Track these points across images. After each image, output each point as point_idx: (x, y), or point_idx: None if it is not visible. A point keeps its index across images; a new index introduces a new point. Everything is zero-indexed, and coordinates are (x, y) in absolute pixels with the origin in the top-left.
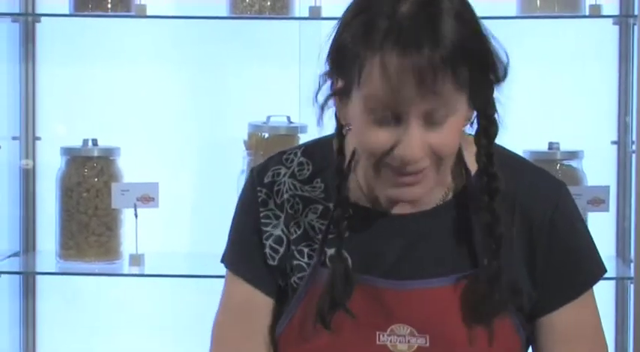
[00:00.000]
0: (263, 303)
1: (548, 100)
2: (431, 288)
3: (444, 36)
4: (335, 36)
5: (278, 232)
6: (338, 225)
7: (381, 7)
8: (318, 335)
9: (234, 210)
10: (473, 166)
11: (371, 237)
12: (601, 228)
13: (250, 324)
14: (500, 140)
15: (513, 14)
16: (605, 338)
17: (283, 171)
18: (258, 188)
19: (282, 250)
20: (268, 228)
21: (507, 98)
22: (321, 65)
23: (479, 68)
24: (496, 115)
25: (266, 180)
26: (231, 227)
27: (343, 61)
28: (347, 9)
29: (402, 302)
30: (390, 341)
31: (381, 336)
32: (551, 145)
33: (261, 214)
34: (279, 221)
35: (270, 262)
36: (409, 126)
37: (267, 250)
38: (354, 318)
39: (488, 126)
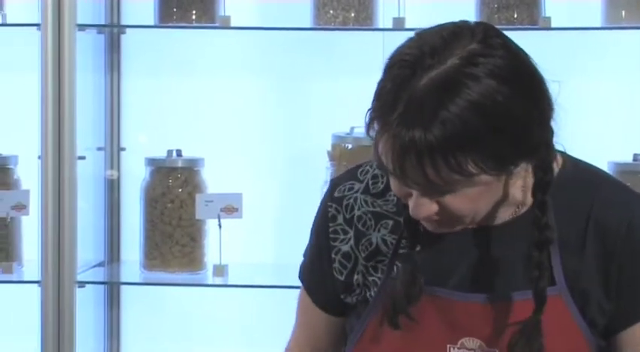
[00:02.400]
0: (324, 318)
1: (633, 111)
2: (501, 302)
3: (441, 127)
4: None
5: (347, 248)
6: (409, 237)
7: (409, 74)
8: (389, 344)
9: (312, 223)
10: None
11: (442, 250)
12: None
13: (314, 331)
14: (583, 151)
15: (598, 25)
16: None
17: (357, 186)
18: (329, 203)
19: (350, 266)
20: (336, 243)
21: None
22: None
23: (495, 150)
24: (550, 161)
25: (337, 195)
26: (309, 241)
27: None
28: (393, 53)
29: (472, 316)
30: None
31: (451, 349)
32: (636, 157)
33: (330, 229)
34: (348, 236)
35: (338, 276)
36: (413, 190)
37: (336, 265)
38: (414, 322)
39: (542, 175)
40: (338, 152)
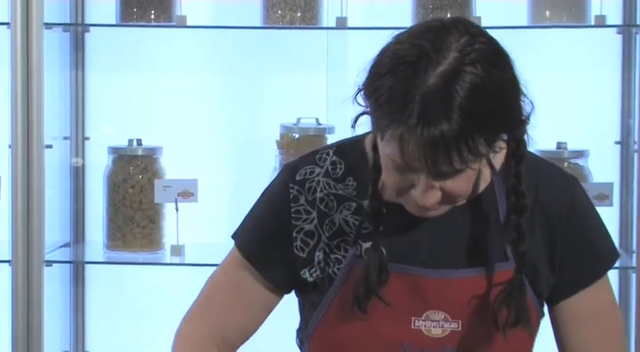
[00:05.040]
0: (261, 287)
1: (557, 104)
2: (464, 278)
3: (460, 113)
4: (366, 82)
5: (310, 227)
6: (373, 217)
7: (412, 74)
8: (355, 320)
9: (259, 200)
10: (498, 161)
11: (406, 229)
12: (605, 221)
13: (242, 298)
14: None
15: (525, 24)
16: (622, 317)
17: (317, 170)
18: (291, 185)
19: (312, 243)
20: (299, 222)
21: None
22: (349, 74)
23: (497, 126)
24: (525, 136)
25: (298, 178)
26: (254, 211)
27: (371, 109)
28: (384, 53)
29: (437, 290)
30: (425, 326)
31: (416, 321)
32: (559, 145)
33: (292, 209)
34: (311, 216)
35: (299, 253)
36: (421, 180)
37: (298, 243)
38: (389, 306)
39: (517, 147)
40: (286, 141)
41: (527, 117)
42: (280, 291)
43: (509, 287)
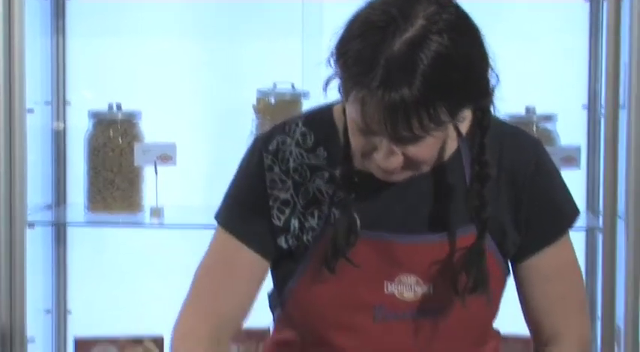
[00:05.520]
0: (250, 259)
1: (526, 69)
2: (434, 243)
3: (422, 80)
4: (337, 45)
5: (286, 196)
6: (344, 183)
7: (379, 39)
8: (328, 284)
9: (235, 174)
10: (465, 128)
11: (376, 196)
12: (572, 183)
13: (233, 275)
14: None
15: None
16: (582, 275)
17: (288, 140)
18: (265, 154)
19: (288, 211)
20: (274, 192)
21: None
22: (324, 39)
23: (462, 97)
24: (491, 107)
25: (271, 148)
26: (231, 189)
27: (339, 72)
28: (355, 18)
29: (408, 254)
30: (398, 290)
31: (389, 286)
32: (528, 109)
33: (267, 178)
34: (286, 185)
35: (276, 222)
36: (383, 144)
37: (274, 211)
38: (357, 267)
39: (482, 117)
40: (262, 106)
41: (493, 90)
42: (267, 261)
43: (469, 253)
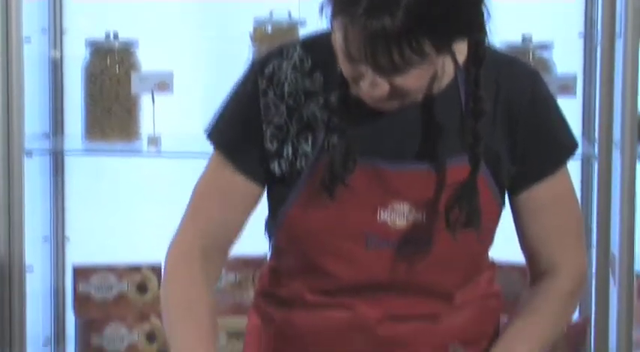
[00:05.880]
0: (242, 184)
1: None
2: (430, 169)
3: (405, 12)
4: None
5: (279, 121)
6: (339, 107)
7: None
8: (322, 210)
9: (230, 96)
10: (461, 56)
11: (371, 123)
12: (568, 112)
13: (225, 198)
14: None
15: None
16: (579, 207)
17: (285, 64)
18: (260, 78)
19: (281, 136)
20: (268, 117)
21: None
22: None
23: (448, 31)
24: (485, 39)
25: (267, 71)
26: (226, 110)
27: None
28: None
29: (401, 182)
30: (390, 217)
31: (382, 213)
32: (524, 37)
33: (262, 103)
34: (280, 110)
35: (269, 146)
36: (368, 73)
37: (268, 136)
38: (354, 192)
39: (476, 51)
40: (259, 34)
41: (485, 24)
42: (261, 186)
43: (462, 188)
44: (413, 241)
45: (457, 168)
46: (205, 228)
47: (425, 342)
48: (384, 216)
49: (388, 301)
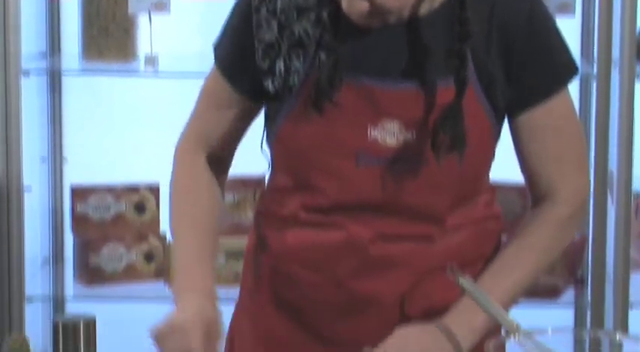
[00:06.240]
0: (238, 100)
1: None
2: (420, 89)
3: None
4: None
5: (271, 37)
6: (330, 22)
7: None
8: (313, 126)
9: (231, 11)
10: None
11: (359, 41)
12: (567, 31)
13: (222, 112)
14: None
15: None
16: (582, 131)
17: None
18: None
19: (273, 53)
20: (259, 34)
21: None
22: None
23: None
24: None
25: None
26: (226, 25)
27: None
28: None
29: (393, 100)
30: (381, 135)
31: (372, 131)
32: None
33: (254, 20)
34: (271, 27)
35: (262, 63)
36: None
37: (260, 53)
38: (340, 108)
39: None
40: None
41: None
42: (256, 101)
43: (448, 111)
44: (403, 160)
45: (444, 90)
46: (205, 132)
47: (419, 263)
48: (374, 133)
49: (379, 221)
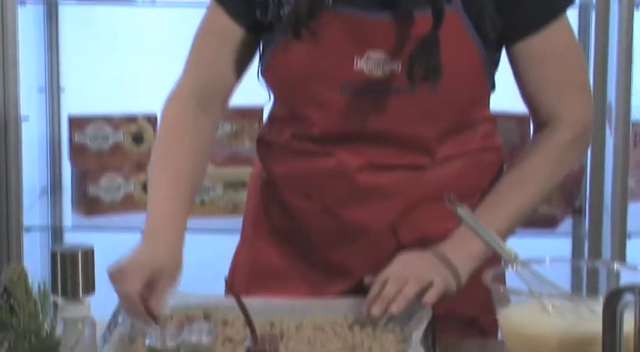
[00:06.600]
0: (236, 33)
1: None
2: (403, 18)
3: None
4: None
5: None
6: None
7: None
8: (300, 56)
9: None
10: None
11: None
12: None
13: (224, 46)
14: None
15: None
16: (583, 58)
17: None
18: None
19: None
20: None
21: None
22: None
23: None
24: None
25: None
26: None
27: None
28: None
29: (377, 31)
30: (367, 65)
31: (358, 62)
32: None
33: None
34: None
35: None
36: None
37: None
38: (328, 38)
39: None
40: None
41: None
42: (253, 32)
43: (423, 41)
44: (389, 90)
45: (425, 20)
46: (203, 73)
47: (409, 193)
48: (360, 64)
49: (368, 151)
